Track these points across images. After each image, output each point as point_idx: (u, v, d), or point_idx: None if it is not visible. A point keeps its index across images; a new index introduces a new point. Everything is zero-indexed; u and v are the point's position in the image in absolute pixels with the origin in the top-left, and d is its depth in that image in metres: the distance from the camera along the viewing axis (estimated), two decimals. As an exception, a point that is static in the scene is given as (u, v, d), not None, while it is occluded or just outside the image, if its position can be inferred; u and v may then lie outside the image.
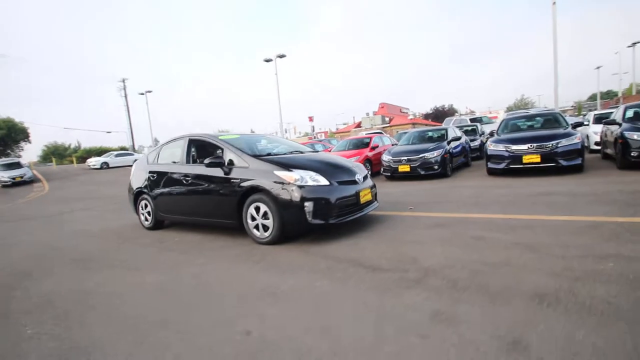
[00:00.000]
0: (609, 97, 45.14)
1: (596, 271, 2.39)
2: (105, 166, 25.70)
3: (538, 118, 8.55)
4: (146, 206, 5.68)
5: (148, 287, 3.08)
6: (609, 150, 7.96)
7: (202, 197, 4.60)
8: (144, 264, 3.86)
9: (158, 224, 5.65)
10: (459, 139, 9.56)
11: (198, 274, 3.32)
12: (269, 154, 4.40)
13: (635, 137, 6.18)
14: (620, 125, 6.82)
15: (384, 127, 31.01)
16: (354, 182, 4.13)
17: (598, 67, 43.09)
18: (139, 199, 5.84)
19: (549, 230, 3.46)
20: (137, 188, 5.80)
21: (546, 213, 4.15)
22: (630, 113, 7.10)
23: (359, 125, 37.59)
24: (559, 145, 6.71)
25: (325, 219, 3.72)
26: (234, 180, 4.16)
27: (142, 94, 30.58)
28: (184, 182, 4.83)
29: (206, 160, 4.35)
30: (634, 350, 1.56)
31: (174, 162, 5.24)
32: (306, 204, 3.65)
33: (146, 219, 5.73)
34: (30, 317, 2.66)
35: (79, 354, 2.05)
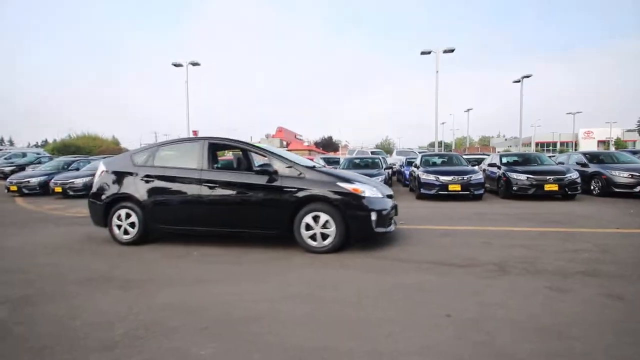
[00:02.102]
0: (440, 146, 60.23)
1: (587, 258, 3.76)
2: None
3: (445, 157, 11.17)
4: (128, 216, 4.77)
5: (287, 298, 2.86)
6: (487, 185, 11.07)
7: (239, 206, 4.34)
8: (215, 278, 3.42)
9: (143, 237, 4.80)
10: (390, 167, 11.40)
11: (306, 281, 3.28)
12: (314, 167, 4.59)
13: (514, 176, 9.00)
14: (499, 167, 9.76)
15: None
16: (391, 197, 4.79)
17: (443, 123, 57.04)
18: (113, 208, 4.84)
19: (520, 237, 4.92)
20: (114, 194, 4.83)
21: (500, 225, 5.76)
22: (504, 160, 10.25)
23: (256, 146, 37.93)
24: (472, 179, 9.06)
25: (384, 227, 4.22)
26: (288, 189, 4.19)
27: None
28: (208, 188, 4.43)
29: (257, 167, 4.21)
30: (636, 293, 2.77)
31: (184, 167, 4.70)
32: (372, 213, 4.08)
33: (126, 232, 4.78)
34: (144, 339, 2.18)
35: (299, 352, 1.98)
